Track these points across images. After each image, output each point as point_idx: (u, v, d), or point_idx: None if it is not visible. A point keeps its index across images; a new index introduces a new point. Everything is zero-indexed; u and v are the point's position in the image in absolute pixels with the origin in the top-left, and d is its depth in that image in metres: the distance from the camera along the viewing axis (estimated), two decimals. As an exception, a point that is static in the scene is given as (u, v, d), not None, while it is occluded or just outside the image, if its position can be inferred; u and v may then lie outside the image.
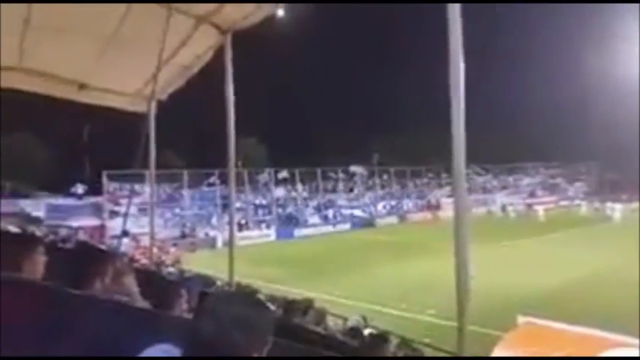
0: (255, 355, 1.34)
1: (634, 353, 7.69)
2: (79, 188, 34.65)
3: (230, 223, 6.48)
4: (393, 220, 45.78)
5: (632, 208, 39.91)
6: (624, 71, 51.36)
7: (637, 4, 40.78)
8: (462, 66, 2.84)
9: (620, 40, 50.89)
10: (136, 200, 24.69)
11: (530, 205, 51.06)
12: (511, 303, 13.53)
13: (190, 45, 5.40)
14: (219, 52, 5.55)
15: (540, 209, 43.49)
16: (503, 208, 49.36)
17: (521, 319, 10.56)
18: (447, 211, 43.61)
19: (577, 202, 49.32)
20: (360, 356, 4.30)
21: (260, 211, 40.35)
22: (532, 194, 57.91)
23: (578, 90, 56.44)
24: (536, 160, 60.54)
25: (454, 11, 2.84)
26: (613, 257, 21.03)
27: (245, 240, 30.98)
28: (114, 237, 28.04)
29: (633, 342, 8.23)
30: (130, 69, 6.04)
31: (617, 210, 38.88)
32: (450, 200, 45.45)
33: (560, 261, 20.99)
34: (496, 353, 8.38)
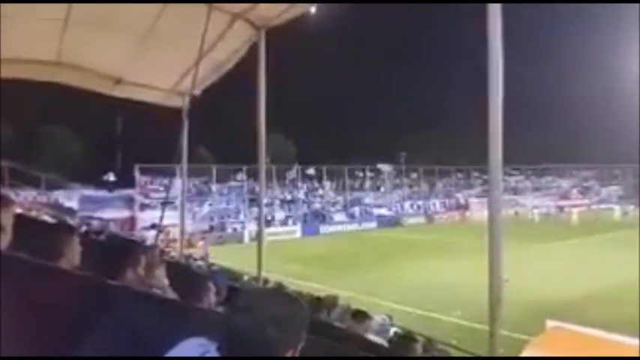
0: (291, 351, 1.34)
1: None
2: (111, 176, 35.48)
3: (259, 219, 6.52)
4: (420, 219, 45.41)
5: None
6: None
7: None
8: (501, 66, 2.79)
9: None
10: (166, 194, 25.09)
11: (561, 208, 49.92)
12: (541, 307, 13.27)
13: (225, 41, 5.44)
14: (253, 48, 5.58)
15: (574, 212, 42.45)
16: (535, 210, 48.41)
17: (549, 324, 10.37)
18: (475, 212, 43.03)
19: (610, 205, 47.88)
20: (384, 356, 4.28)
21: (287, 207, 40.57)
22: (564, 196, 56.58)
23: (614, 91, 54.88)
24: (570, 161, 59.09)
25: (495, 10, 2.78)
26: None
27: (271, 236, 31.17)
28: (144, 229, 28.66)
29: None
30: (165, 64, 6.12)
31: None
32: (478, 200, 45.07)
33: (591, 266, 20.46)
34: (523, 357, 8.23)
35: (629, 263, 20.50)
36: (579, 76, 55.81)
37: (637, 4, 47.02)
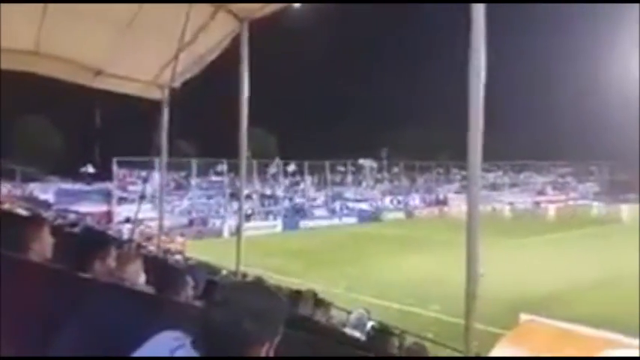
0: (267, 345, 1.34)
1: (633, 353, 7.66)
2: (89, 168, 34.95)
3: (239, 213, 6.49)
4: (399, 214, 45.75)
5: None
6: (637, 72, 50.77)
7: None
8: (483, 65, 2.81)
9: (633, 41, 50.27)
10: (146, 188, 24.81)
11: (538, 204, 50.84)
12: (516, 302, 13.49)
13: (207, 33, 5.39)
14: (235, 41, 5.53)
15: (551, 208, 43.23)
16: (512, 205, 49.28)
17: (523, 317, 10.57)
18: (454, 207, 43.52)
19: (587, 201, 48.92)
20: (368, 356, 4.30)
21: (267, 202, 40.48)
22: (541, 192, 57.60)
23: (591, 90, 55.96)
24: (547, 158, 60.14)
25: (477, 11, 2.81)
26: (621, 258, 20.86)
27: (251, 230, 31.09)
28: (121, 222, 28.31)
29: (633, 343, 8.21)
30: (145, 56, 6.03)
31: (626, 210, 38.55)
32: (457, 196, 45.56)
33: (567, 261, 20.87)
34: (496, 350, 8.39)
35: (604, 259, 21.03)
36: (557, 75, 56.77)
37: (617, 4, 47.99)
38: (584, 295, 15.32)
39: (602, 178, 62.97)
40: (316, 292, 6.01)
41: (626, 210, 38.50)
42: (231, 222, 32.77)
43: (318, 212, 42.09)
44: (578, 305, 13.70)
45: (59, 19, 4.93)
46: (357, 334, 5.31)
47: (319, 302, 5.50)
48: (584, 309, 12.96)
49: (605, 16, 51.56)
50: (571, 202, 52.91)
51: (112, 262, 2.94)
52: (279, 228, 37.52)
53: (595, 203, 46.14)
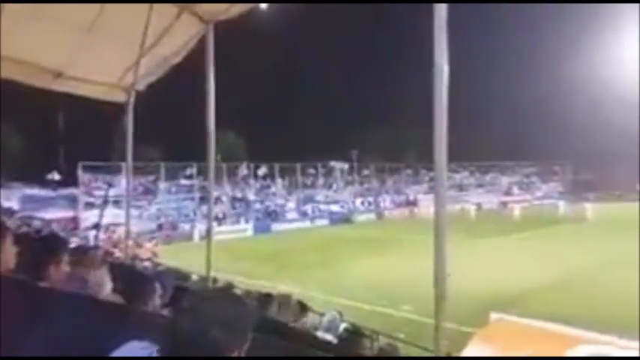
0: (236, 352, 1.32)
1: (602, 350, 7.91)
2: (55, 175, 34.02)
3: (208, 217, 6.42)
4: (370, 216, 46.08)
5: (602, 207, 40.79)
6: (600, 74, 52.58)
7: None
8: (445, 67, 2.86)
9: (596, 44, 52.03)
10: (112, 192, 24.31)
11: (504, 204, 51.94)
12: (486, 301, 13.74)
13: (171, 35, 5.31)
14: (201, 43, 5.47)
15: (517, 207, 44.22)
16: (479, 206, 50.19)
17: (493, 316, 10.78)
18: (424, 208, 44.10)
19: (551, 201, 50.25)
20: (351, 356, 4.31)
21: (238, 206, 40.18)
22: (507, 192, 58.89)
23: (555, 91, 57.55)
24: (512, 159, 61.55)
25: (440, 11, 2.85)
26: (586, 257, 21.50)
27: (222, 234, 30.79)
28: (88, 229, 27.62)
29: (601, 339, 8.47)
30: (108, 59, 5.90)
31: (589, 209, 39.70)
32: (427, 197, 46.17)
33: (534, 260, 21.37)
34: (468, 349, 8.53)
35: (570, 257, 21.64)
36: (522, 77, 58.10)
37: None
38: (549, 293, 15.72)
39: (566, 178, 64.89)
40: (289, 295, 6.00)
41: (589, 209, 39.68)
42: (201, 226, 32.33)
43: (289, 215, 42.01)
44: (544, 303, 14.05)
45: (16, 19, 4.78)
46: (329, 336, 5.32)
47: (292, 305, 5.49)
48: (549, 307, 13.31)
49: (570, 17, 53.12)
50: (536, 202, 54.25)
51: (65, 267, 2.86)
52: (250, 231, 37.29)
53: (559, 202, 47.40)
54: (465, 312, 10.54)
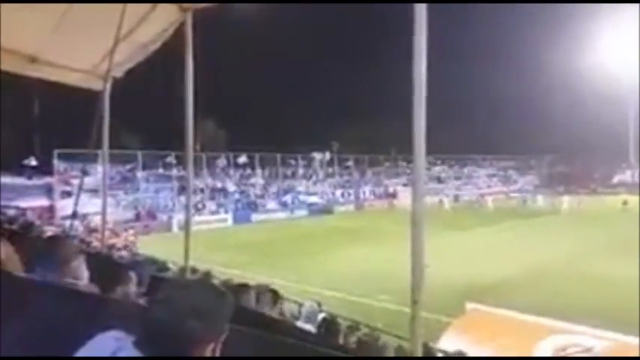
0: (212, 343, 1.32)
1: (572, 339, 8.14)
2: (32, 161, 33.28)
3: (187, 207, 6.37)
4: (350, 207, 46.28)
5: (578, 200, 41.62)
6: (578, 69, 53.47)
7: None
8: (424, 60, 2.87)
9: (576, 38, 52.81)
10: (88, 181, 23.89)
11: (482, 196, 52.66)
12: (461, 291, 13.98)
13: (149, 21, 5.21)
14: (180, 30, 5.39)
15: (492, 200, 44.87)
16: (456, 198, 50.82)
17: (469, 306, 11.00)
18: (403, 199, 44.45)
19: (527, 194, 51.10)
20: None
21: (217, 195, 39.94)
22: (484, 185, 59.69)
23: (533, 87, 58.33)
24: (490, 152, 62.37)
25: (420, 10, 2.86)
26: (561, 249, 21.98)
27: (201, 224, 30.61)
28: (64, 218, 27.14)
29: (572, 328, 8.73)
30: (85, 44, 5.76)
31: (565, 202, 40.51)
32: (406, 189, 46.55)
33: (509, 251, 21.76)
34: (445, 338, 8.69)
35: (545, 248, 22.10)
36: (500, 71, 58.68)
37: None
38: (524, 284, 16.05)
39: (542, 171, 66.07)
40: (266, 285, 6.01)
41: (564, 202, 40.51)
42: (179, 216, 32.07)
43: (269, 205, 41.94)
44: (518, 294, 14.34)
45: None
46: (308, 326, 5.35)
47: (270, 295, 5.51)
48: (523, 298, 13.60)
49: (550, 12, 53.76)
50: (513, 195, 55.14)
51: (54, 259, 2.83)
52: (229, 221, 37.14)
53: (535, 195, 48.28)
54: (442, 302, 10.73)
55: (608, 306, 12.02)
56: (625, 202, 38.48)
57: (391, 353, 5.49)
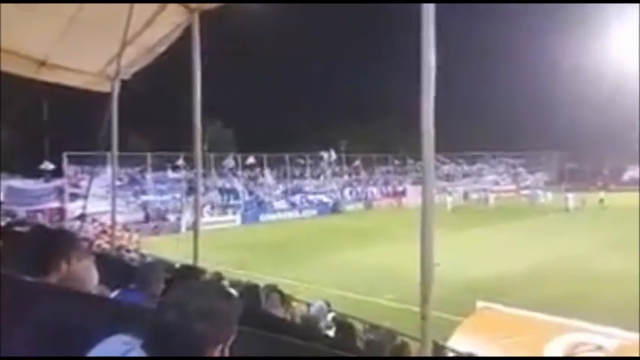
0: (220, 346, 1.31)
1: (584, 337, 8.06)
2: (49, 165, 33.58)
3: (196, 207, 6.38)
4: (359, 206, 46.19)
5: (586, 197, 41.19)
6: (586, 63, 52.95)
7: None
8: (433, 58, 2.85)
9: (584, 33, 52.33)
10: (97, 183, 24.02)
11: (490, 193, 52.30)
12: (471, 289, 13.89)
13: (157, 23, 5.23)
14: (188, 32, 5.40)
15: (502, 198, 44.56)
16: (465, 195, 50.56)
17: (479, 305, 10.92)
18: (412, 198, 44.29)
19: (537, 191, 50.68)
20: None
21: (226, 196, 40.02)
22: (493, 183, 59.28)
23: (542, 83, 57.86)
24: (499, 149, 61.91)
25: (428, 10, 2.84)
26: (571, 246, 21.79)
27: (210, 225, 30.70)
28: (73, 219, 27.33)
29: (583, 326, 8.64)
30: (93, 47, 5.79)
31: (572, 200, 40.14)
32: (415, 187, 46.35)
33: (520, 249, 21.61)
34: (455, 337, 8.64)
35: (555, 245, 21.93)
36: (509, 68, 58.28)
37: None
38: (534, 282, 15.92)
39: (552, 168, 65.50)
40: (275, 285, 6.01)
41: (574, 199, 40.18)
42: (188, 217, 32.19)
43: (277, 205, 41.97)
44: (529, 292, 14.24)
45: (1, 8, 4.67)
46: (316, 326, 5.34)
47: (279, 296, 5.50)
48: (535, 295, 13.51)
49: (558, 9, 53.32)
50: (522, 192, 54.74)
51: (64, 262, 2.81)
52: (238, 222, 37.21)
53: (545, 192, 47.88)
54: (451, 301, 10.67)
55: (620, 304, 11.91)
56: (601, 200, 38.71)
57: (406, 353, 5.46)
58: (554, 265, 18.26)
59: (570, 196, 39.69)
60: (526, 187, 57.34)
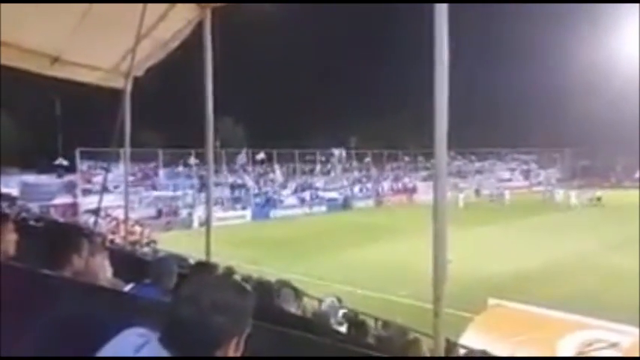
0: (235, 339, 1.32)
1: (598, 335, 7.99)
2: (63, 161, 33.98)
3: (207, 203, 6.41)
4: (369, 202, 46.11)
5: (597, 195, 40.71)
6: (599, 63, 52.36)
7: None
8: (446, 56, 2.84)
9: (597, 30, 51.70)
10: (110, 178, 24.22)
11: (503, 190, 51.90)
12: (483, 286, 13.82)
13: (169, 19, 5.25)
14: (199, 28, 5.41)
15: (514, 194, 44.22)
16: (477, 192, 50.20)
17: (491, 302, 10.87)
18: (423, 195, 44.14)
19: (549, 188, 50.27)
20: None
21: (236, 192, 40.18)
22: (505, 179, 58.82)
23: (554, 82, 57.26)
24: (511, 146, 61.40)
25: (441, 10, 2.83)
26: (584, 243, 21.59)
27: (220, 221, 30.82)
28: (86, 213, 27.64)
29: (596, 324, 8.56)
30: (106, 43, 5.83)
31: (573, 197, 39.84)
32: (426, 184, 46.19)
33: (532, 246, 21.44)
34: (468, 335, 8.60)
35: (567, 243, 21.74)
36: (522, 65, 57.74)
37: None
38: (546, 280, 15.80)
39: (565, 165, 64.87)
40: (287, 281, 6.02)
41: (586, 196, 39.77)
42: (200, 213, 32.35)
43: (288, 201, 42.03)
44: (542, 289, 14.13)
45: (11, 4, 4.71)
46: (328, 322, 5.35)
47: (291, 291, 5.51)
48: (548, 292, 13.40)
49: (569, 5, 52.63)
50: (534, 189, 54.27)
51: (80, 257, 2.84)
52: (248, 218, 37.34)
53: (557, 189, 47.44)
54: (463, 298, 10.62)
55: (635, 302, 11.76)
56: (599, 198, 38.51)
57: (418, 350, 5.45)
58: (569, 262, 18.10)
59: (573, 193, 39.43)
60: (539, 184, 56.85)
